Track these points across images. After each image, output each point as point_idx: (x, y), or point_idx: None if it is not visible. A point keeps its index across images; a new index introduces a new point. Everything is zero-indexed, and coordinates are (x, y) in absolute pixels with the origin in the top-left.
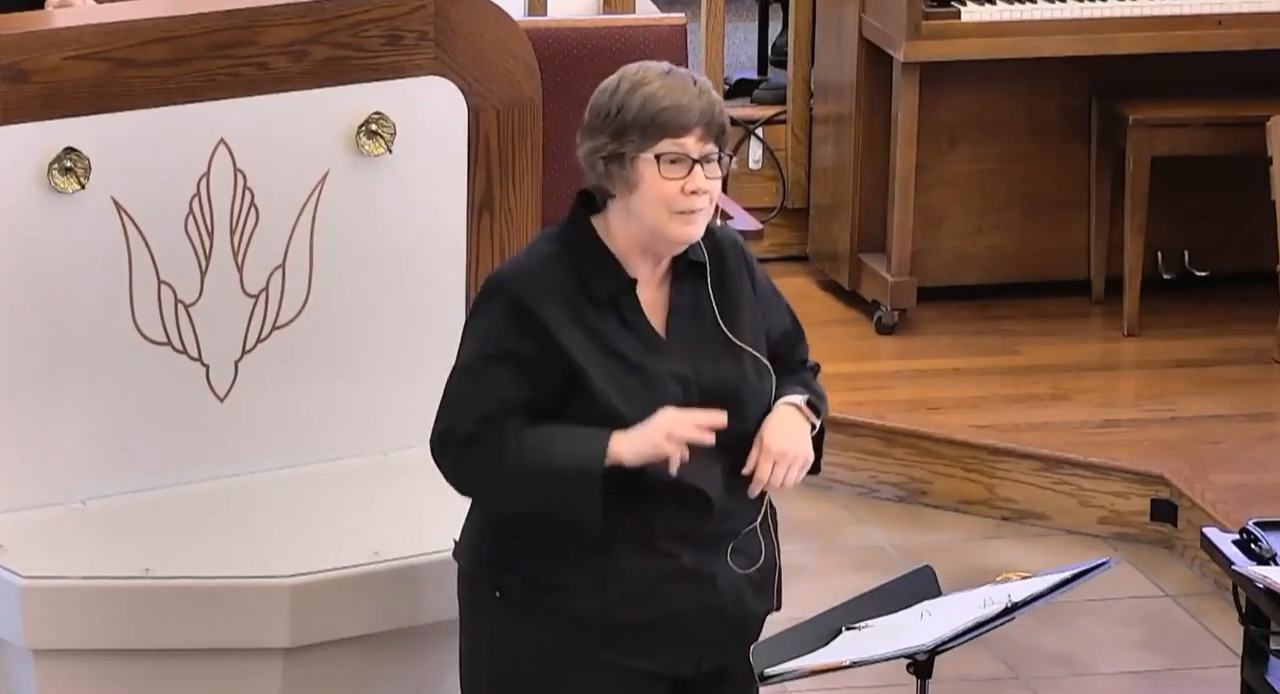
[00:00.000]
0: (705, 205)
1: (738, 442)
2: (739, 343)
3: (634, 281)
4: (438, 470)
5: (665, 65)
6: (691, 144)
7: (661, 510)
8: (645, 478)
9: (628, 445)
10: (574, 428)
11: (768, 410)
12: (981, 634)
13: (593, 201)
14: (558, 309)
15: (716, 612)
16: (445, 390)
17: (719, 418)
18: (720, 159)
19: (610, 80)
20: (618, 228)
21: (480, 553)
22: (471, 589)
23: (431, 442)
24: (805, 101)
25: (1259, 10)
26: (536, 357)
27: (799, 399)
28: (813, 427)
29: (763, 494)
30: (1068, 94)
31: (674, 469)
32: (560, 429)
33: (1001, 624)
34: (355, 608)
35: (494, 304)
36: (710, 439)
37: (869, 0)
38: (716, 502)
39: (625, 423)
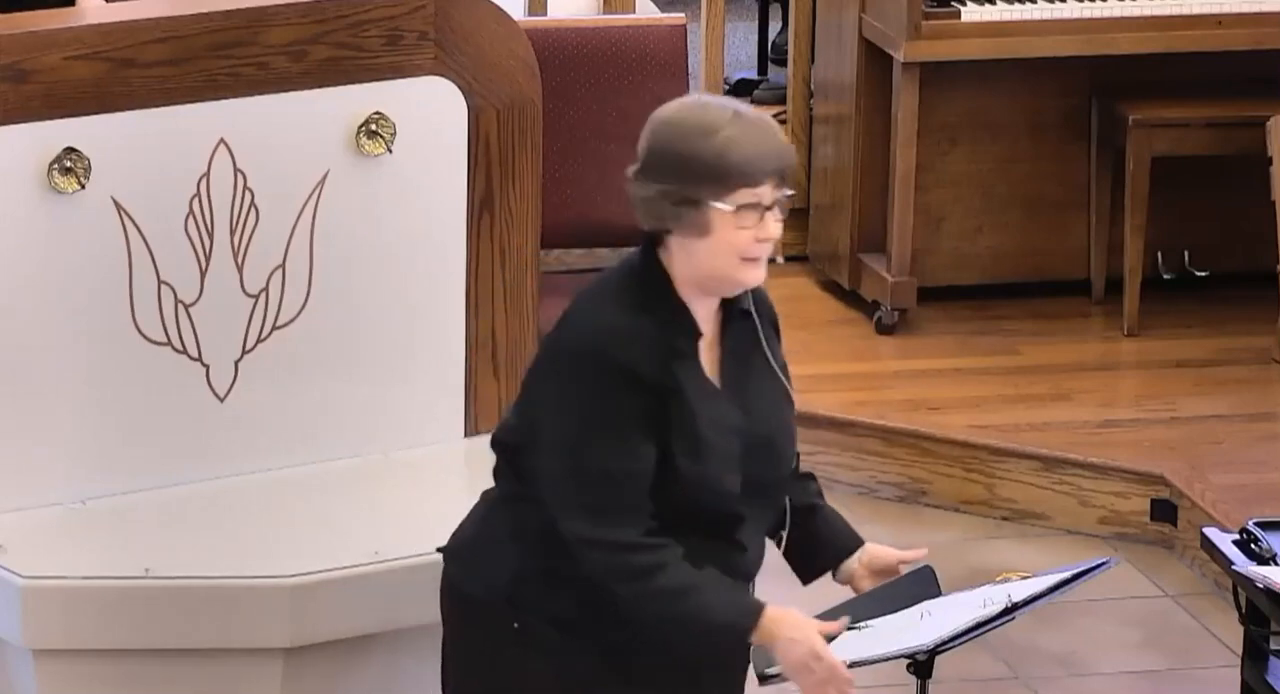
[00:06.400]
0: (771, 250)
1: (772, 487)
2: (788, 388)
3: (699, 332)
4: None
5: (731, 105)
6: (766, 192)
7: (697, 559)
8: (683, 526)
9: (782, 644)
10: (726, 582)
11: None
12: (982, 634)
13: (659, 240)
14: (657, 367)
15: (730, 651)
16: (571, 469)
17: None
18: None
19: (676, 118)
20: (678, 265)
21: (498, 587)
22: (480, 618)
23: (576, 530)
24: (805, 101)
25: (1259, 10)
26: (655, 408)
27: None
28: None
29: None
30: (1068, 94)
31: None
32: (714, 579)
33: (1002, 624)
34: (355, 608)
35: (596, 373)
36: None
37: (869, 0)
38: (751, 550)
39: (691, 481)
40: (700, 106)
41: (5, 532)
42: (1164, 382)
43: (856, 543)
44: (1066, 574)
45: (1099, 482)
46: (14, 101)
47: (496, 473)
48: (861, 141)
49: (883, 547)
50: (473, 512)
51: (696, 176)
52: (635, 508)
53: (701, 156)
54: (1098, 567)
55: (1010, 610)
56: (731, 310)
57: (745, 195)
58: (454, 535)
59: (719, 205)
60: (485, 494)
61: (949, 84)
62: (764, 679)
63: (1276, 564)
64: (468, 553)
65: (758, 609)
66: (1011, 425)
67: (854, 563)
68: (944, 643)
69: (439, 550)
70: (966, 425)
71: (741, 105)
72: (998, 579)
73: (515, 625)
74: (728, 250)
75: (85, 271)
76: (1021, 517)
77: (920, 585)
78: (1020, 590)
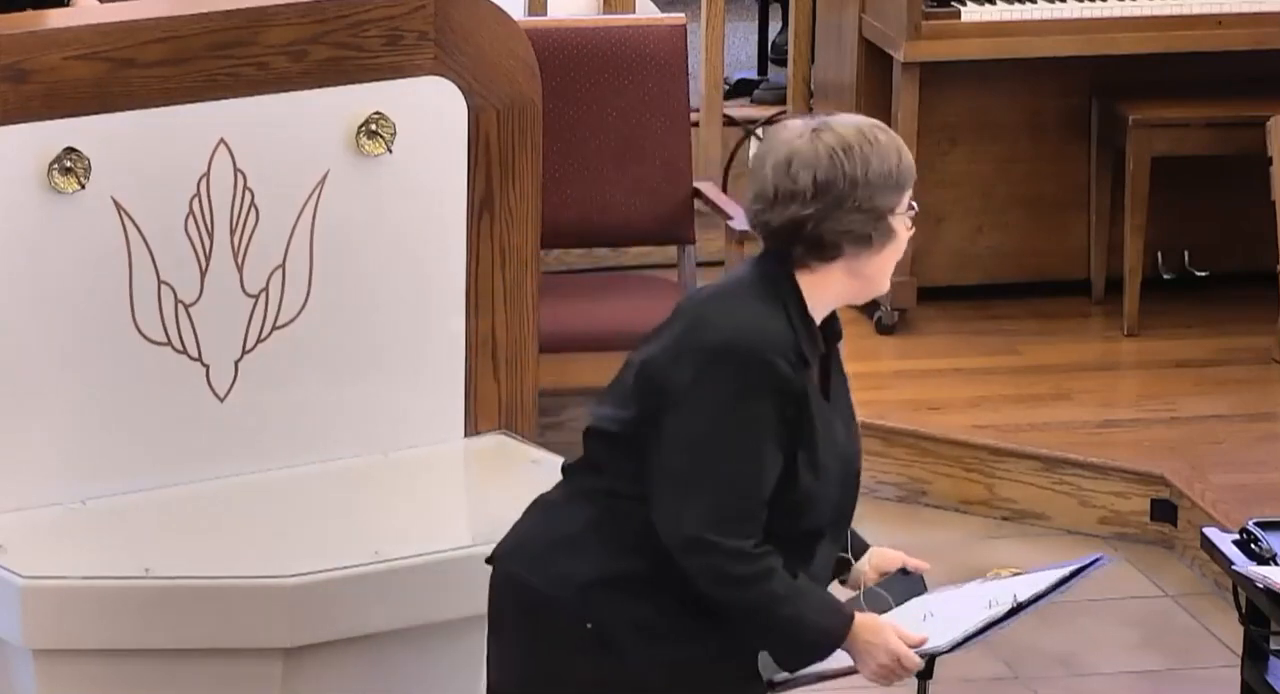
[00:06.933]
0: None
1: (851, 507)
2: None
3: (823, 350)
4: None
5: (854, 116)
6: None
7: None
8: (771, 539)
9: (861, 646)
10: (817, 588)
11: None
12: (991, 635)
13: (787, 260)
14: (798, 377)
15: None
16: (702, 469)
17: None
18: None
19: (843, 145)
20: (830, 287)
21: (574, 585)
22: (551, 617)
23: (689, 531)
24: (805, 101)
25: (1259, 10)
26: (794, 418)
27: None
28: None
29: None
30: (1068, 94)
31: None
32: (809, 585)
33: (1010, 624)
34: (355, 608)
35: (747, 373)
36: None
37: (869, 0)
38: (815, 568)
39: (805, 496)
40: (851, 128)
41: (5, 532)
42: (1164, 382)
43: (864, 546)
44: (1065, 571)
45: (1099, 482)
46: (14, 101)
47: (575, 469)
48: None
49: (889, 550)
50: (539, 508)
51: (889, 190)
52: (756, 517)
53: (887, 170)
54: (1093, 563)
55: (1016, 610)
56: (830, 331)
57: (909, 195)
58: (514, 534)
59: (899, 210)
60: (545, 496)
61: (949, 84)
62: (774, 686)
63: (1276, 564)
64: (541, 550)
65: (850, 613)
66: (1011, 425)
67: (864, 566)
68: (958, 644)
69: (489, 560)
70: (966, 425)
71: (845, 114)
72: (989, 575)
73: (589, 626)
74: (897, 254)
75: (85, 271)
76: (1021, 517)
77: (907, 583)
78: (1024, 589)
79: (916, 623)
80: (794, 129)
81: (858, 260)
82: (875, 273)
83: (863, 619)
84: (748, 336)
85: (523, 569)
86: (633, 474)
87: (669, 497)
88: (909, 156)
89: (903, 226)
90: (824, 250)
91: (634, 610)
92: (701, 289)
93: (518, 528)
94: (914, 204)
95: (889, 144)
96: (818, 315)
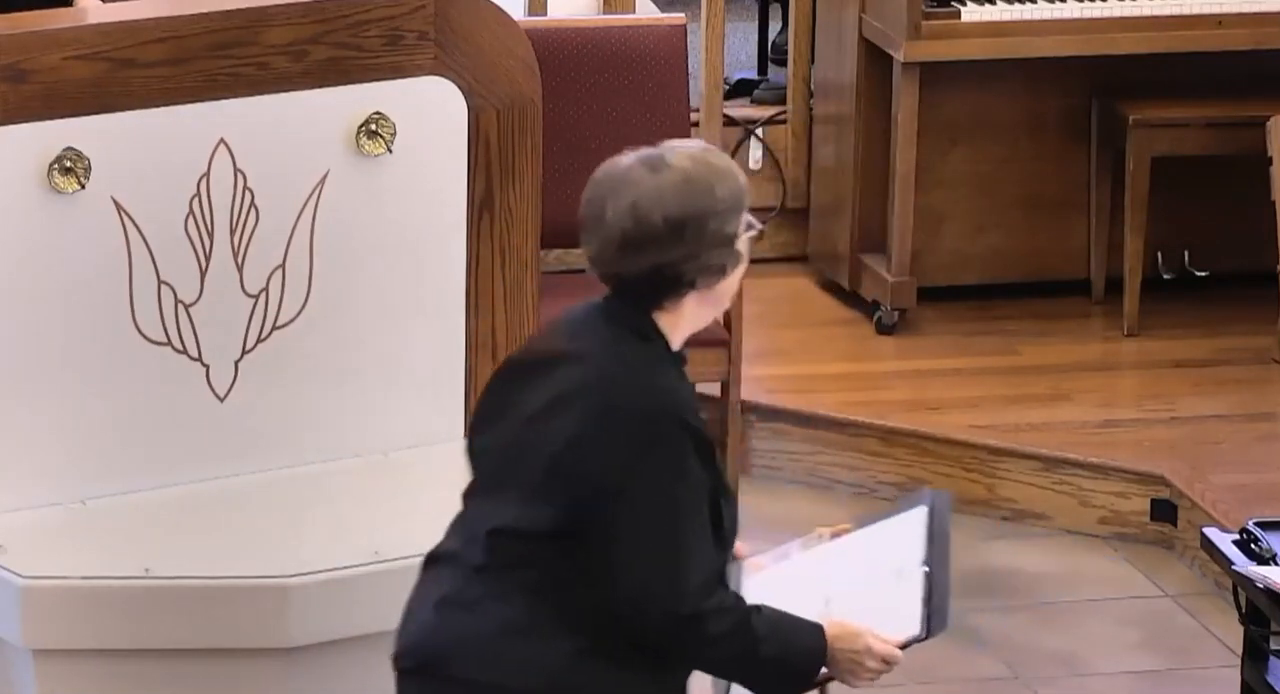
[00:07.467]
0: None
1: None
2: None
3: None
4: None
5: (686, 143)
6: None
7: None
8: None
9: (842, 654)
10: (792, 617)
11: None
12: (950, 605)
13: (643, 304)
14: (704, 426)
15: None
16: (672, 547)
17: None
18: None
19: (685, 179)
20: (684, 320)
21: (552, 674)
22: None
23: (684, 609)
24: (805, 101)
25: (1259, 10)
26: (711, 466)
27: None
28: None
29: None
30: (1068, 94)
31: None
32: (779, 615)
33: (950, 589)
34: (355, 608)
35: (679, 440)
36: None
37: (869, 0)
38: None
39: (728, 537)
40: (685, 157)
41: (5, 532)
42: (1164, 382)
43: None
44: (914, 518)
45: (1099, 482)
46: (14, 101)
47: (488, 568)
48: (861, 141)
49: None
50: (454, 609)
51: (734, 215)
52: (718, 570)
53: (730, 194)
54: (932, 499)
55: (930, 577)
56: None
57: (747, 213)
58: (434, 641)
59: (743, 231)
60: (450, 597)
61: (949, 84)
62: None
63: (1276, 564)
64: (487, 648)
65: (820, 626)
66: (1011, 425)
67: None
68: (929, 627)
69: (403, 671)
70: (966, 425)
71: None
72: (811, 535)
73: None
74: (741, 274)
75: (85, 271)
76: (1021, 517)
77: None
78: (921, 556)
79: (820, 609)
80: (627, 168)
81: (709, 289)
82: (724, 296)
83: (834, 629)
84: (664, 400)
85: (468, 672)
86: (573, 560)
87: (643, 580)
88: (743, 176)
89: (746, 247)
90: (680, 288)
91: (610, 676)
92: (554, 362)
93: (435, 633)
94: (753, 222)
95: (726, 167)
96: (676, 347)
